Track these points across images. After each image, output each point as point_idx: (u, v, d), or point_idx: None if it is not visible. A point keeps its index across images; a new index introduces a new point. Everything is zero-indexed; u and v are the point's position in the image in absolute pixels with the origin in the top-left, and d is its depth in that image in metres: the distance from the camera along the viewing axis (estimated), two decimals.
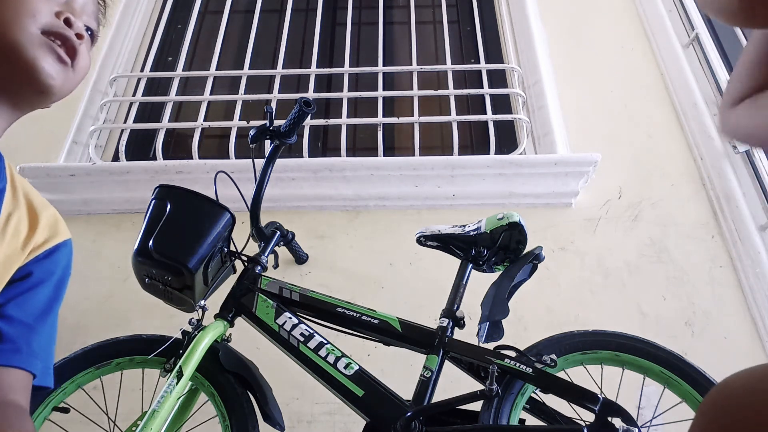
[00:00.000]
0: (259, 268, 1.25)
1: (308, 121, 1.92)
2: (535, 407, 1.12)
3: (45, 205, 0.71)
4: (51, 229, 0.70)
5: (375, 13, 2.33)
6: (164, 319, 1.53)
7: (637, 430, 0.96)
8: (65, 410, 1.14)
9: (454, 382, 1.15)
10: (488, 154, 1.86)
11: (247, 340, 1.26)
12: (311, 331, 1.16)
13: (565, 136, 1.89)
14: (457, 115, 1.94)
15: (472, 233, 1.19)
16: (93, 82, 2.10)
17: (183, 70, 2.16)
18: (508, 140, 1.97)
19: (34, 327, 0.66)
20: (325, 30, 2.35)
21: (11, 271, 0.64)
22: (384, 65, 2.13)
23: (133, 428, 1.05)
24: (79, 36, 0.63)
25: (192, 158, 1.85)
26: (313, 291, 1.23)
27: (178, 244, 1.15)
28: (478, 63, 2.18)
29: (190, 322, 1.15)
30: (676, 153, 1.89)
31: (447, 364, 1.13)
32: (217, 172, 1.35)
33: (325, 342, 1.14)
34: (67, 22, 0.62)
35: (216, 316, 1.19)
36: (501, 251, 1.19)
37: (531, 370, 1.05)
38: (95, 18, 0.70)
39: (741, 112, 0.55)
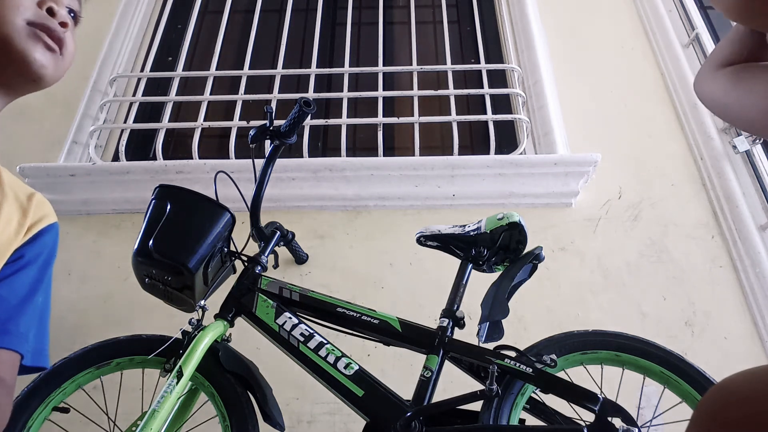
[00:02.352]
0: (259, 268, 1.25)
1: (308, 121, 1.92)
2: (535, 407, 1.12)
3: (31, 192, 0.74)
4: (39, 212, 0.73)
5: (375, 13, 2.33)
6: (164, 319, 1.53)
7: (637, 430, 0.96)
8: (65, 410, 1.14)
9: (454, 382, 1.15)
10: (488, 154, 1.86)
11: (247, 340, 1.26)
12: (311, 331, 1.16)
13: (565, 136, 1.89)
14: (457, 115, 1.94)
15: (472, 233, 1.19)
16: (93, 82, 2.10)
17: (183, 70, 2.16)
18: (508, 140, 1.97)
19: (21, 308, 0.68)
20: (325, 30, 2.35)
21: (7, 255, 0.66)
22: (384, 65, 2.12)
23: (133, 428, 1.05)
24: (63, 24, 0.65)
25: (192, 158, 1.85)
26: (313, 291, 1.23)
27: (178, 244, 1.15)
28: (478, 63, 2.17)
29: (190, 322, 1.15)
30: (676, 153, 1.89)
31: (447, 364, 1.13)
32: (217, 172, 1.35)
33: (325, 342, 1.14)
34: (51, 12, 0.64)
35: (216, 316, 1.19)
36: (501, 251, 1.19)
37: (531, 370, 1.05)
38: None
39: (721, 80, 0.52)
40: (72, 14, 0.69)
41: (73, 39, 0.70)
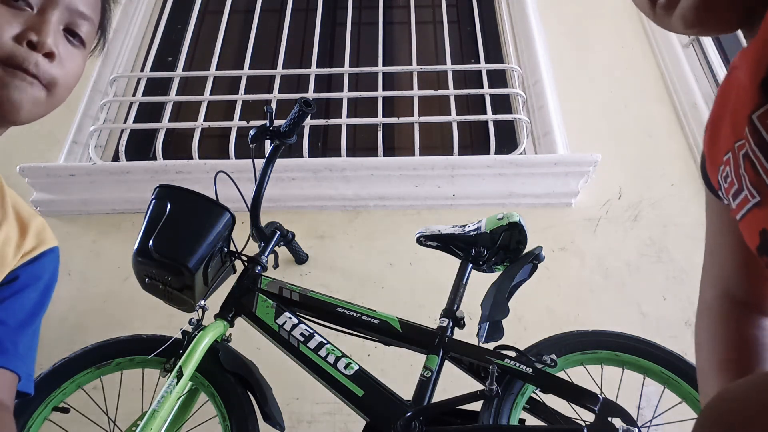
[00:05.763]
0: (259, 268, 1.25)
1: (308, 121, 1.92)
2: (535, 407, 1.12)
3: (33, 214, 0.72)
4: (39, 236, 0.71)
5: (375, 13, 2.33)
6: (164, 319, 1.53)
7: (637, 430, 0.96)
8: (65, 410, 1.14)
9: (454, 382, 1.15)
10: (488, 154, 1.86)
11: (247, 340, 1.26)
12: (311, 331, 1.16)
13: (565, 136, 1.89)
14: (457, 115, 1.94)
15: (472, 233, 1.19)
16: (93, 82, 2.10)
17: (183, 70, 2.16)
18: (508, 140, 1.97)
19: (19, 330, 0.66)
20: (325, 30, 2.35)
21: (1, 277, 0.65)
22: (384, 65, 2.12)
23: (133, 428, 1.05)
24: (48, 55, 0.57)
25: (192, 158, 1.85)
26: (313, 291, 1.23)
27: (178, 244, 1.15)
28: (478, 63, 2.17)
29: (190, 322, 1.15)
30: (676, 153, 1.89)
31: (447, 364, 1.13)
32: (217, 172, 1.35)
33: (325, 342, 1.14)
34: (31, 45, 0.56)
35: (216, 316, 1.19)
36: (501, 251, 1.19)
37: (531, 370, 1.05)
38: (91, 7, 0.62)
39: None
40: (76, 37, 0.61)
41: (75, 61, 0.62)
